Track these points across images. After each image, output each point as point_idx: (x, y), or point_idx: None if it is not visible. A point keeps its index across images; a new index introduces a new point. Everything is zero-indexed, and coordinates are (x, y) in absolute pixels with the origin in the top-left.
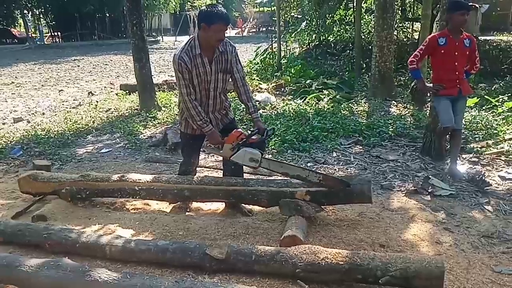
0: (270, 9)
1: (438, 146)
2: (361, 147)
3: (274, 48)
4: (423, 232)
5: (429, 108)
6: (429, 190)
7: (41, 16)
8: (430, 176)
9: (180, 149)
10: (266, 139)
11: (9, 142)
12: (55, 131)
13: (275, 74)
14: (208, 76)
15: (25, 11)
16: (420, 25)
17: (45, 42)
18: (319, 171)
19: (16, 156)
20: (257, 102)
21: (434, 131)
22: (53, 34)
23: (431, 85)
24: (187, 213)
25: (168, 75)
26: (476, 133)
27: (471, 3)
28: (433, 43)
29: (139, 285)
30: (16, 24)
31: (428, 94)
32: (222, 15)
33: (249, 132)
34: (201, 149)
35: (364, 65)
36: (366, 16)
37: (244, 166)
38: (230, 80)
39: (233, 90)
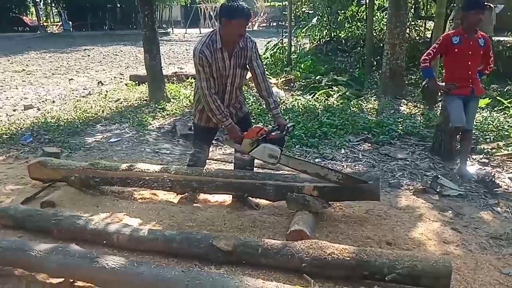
0: (281, 3)
1: (448, 146)
2: (369, 145)
3: (285, 43)
4: (431, 232)
5: (440, 108)
6: (438, 190)
7: (52, 5)
8: (439, 176)
9: (189, 140)
10: (287, 136)
11: (19, 129)
12: (64, 119)
13: (285, 69)
14: (226, 71)
15: (37, 0)
16: (433, 24)
17: (72, 30)
18: (338, 170)
19: (26, 142)
20: None
21: (444, 131)
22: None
23: (443, 84)
24: (194, 205)
25: (178, 67)
26: (487, 134)
27: (486, 3)
28: (447, 41)
29: (145, 273)
30: (28, 12)
31: (440, 93)
32: (243, 10)
33: (270, 127)
34: (213, 142)
35: (375, 63)
36: (378, 13)
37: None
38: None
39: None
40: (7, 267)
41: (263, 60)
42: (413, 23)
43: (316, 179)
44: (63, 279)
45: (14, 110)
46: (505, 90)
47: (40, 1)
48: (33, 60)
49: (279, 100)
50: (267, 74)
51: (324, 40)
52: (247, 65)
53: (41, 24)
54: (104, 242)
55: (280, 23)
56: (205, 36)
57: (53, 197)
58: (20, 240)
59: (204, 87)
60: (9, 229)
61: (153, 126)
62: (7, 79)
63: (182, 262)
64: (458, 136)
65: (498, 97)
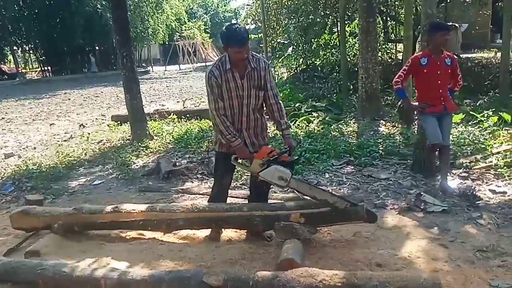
0: (257, 36)
1: (428, 163)
2: (352, 167)
3: None
4: (419, 249)
5: (417, 126)
6: (422, 207)
7: (31, 52)
8: (422, 193)
9: (174, 176)
10: (297, 160)
11: (0, 178)
12: (46, 165)
13: None
14: (240, 91)
15: (15, 47)
16: (403, 46)
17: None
18: (348, 199)
19: (8, 192)
20: None
21: (423, 148)
22: (43, 68)
23: (416, 103)
24: (182, 241)
25: (159, 104)
26: (464, 148)
27: (451, 23)
28: (416, 63)
29: None
30: (6, 61)
31: (415, 113)
32: (235, 38)
33: (281, 149)
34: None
35: (351, 87)
36: (350, 39)
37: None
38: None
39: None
40: None
41: None
42: (384, 46)
43: (302, 207)
44: None
45: None
46: (477, 104)
47: (18, 49)
48: (12, 108)
49: None
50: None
51: (300, 68)
52: (263, 86)
53: (20, 71)
54: None
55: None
56: (217, 59)
57: (37, 246)
58: None
59: (213, 108)
60: None
61: (137, 165)
62: None
63: None
64: (436, 152)
65: (471, 112)
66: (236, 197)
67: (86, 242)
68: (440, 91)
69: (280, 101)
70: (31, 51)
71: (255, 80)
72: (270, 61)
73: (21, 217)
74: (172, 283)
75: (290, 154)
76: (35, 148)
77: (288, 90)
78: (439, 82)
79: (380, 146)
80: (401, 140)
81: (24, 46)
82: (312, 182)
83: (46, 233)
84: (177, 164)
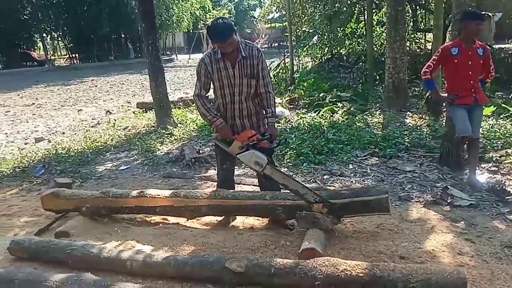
0: (281, 24)
1: (456, 156)
2: (377, 159)
3: (287, 63)
4: (444, 243)
5: (445, 118)
6: (448, 201)
7: (59, 39)
8: (449, 187)
9: (198, 163)
10: (276, 147)
11: (31, 161)
12: (75, 149)
13: (289, 88)
14: (232, 80)
15: (44, 35)
16: (432, 36)
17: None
18: (318, 193)
19: (38, 174)
20: None
21: (451, 141)
22: (71, 55)
23: (445, 95)
24: (205, 227)
25: (183, 93)
26: (494, 142)
27: (484, 12)
28: (446, 53)
29: None
30: (36, 47)
31: (444, 104)
32: (216, 34)
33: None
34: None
35: (378, 77)
36: (377, 28)
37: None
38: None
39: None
40: None
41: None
42: (412, 36)
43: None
44: None
45: (26, 143)
46: (510, 97)
47: (47, 36)
48: (42, 94)
49: (284, 119)
50: (272, 86)
51: (325, 58)
52: (256, 74)
53: (49, 58)
54: (118, 269)
55: (281, 43)
56: (211, 48)
57: (66, 227)
58: (35, 272)
59: (195, 94)
60: (25, 261)
61: (161, 152)
62: (18, 113)
63: (195, 286)
64: (465, 145)
65: (503, 104)
66: (253, 185)
67: (112, 225)
68: (471, 82)
69: (271, 91)
70: (59, 39)
71: (247, 68)
72: (295, 50)
73: (51, 199)
74: (195, 267)
75: (271, 141)
76: (64, 133)
77: (313, 79)
78: (470, 73)
79: (406, 138)
80: (428, 132)
81: (53, 33)
82: (336, 172)
83: (74, 215)
84: (201, 151)
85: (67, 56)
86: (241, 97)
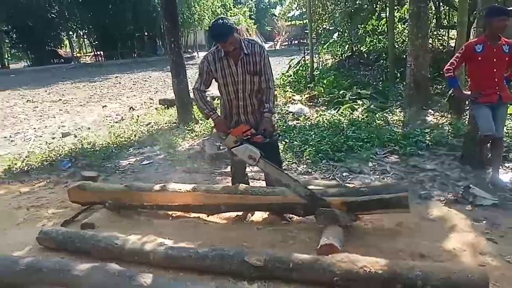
0: (302, 22)
1: (479, 155)
2: (397, 157)
3: (307, 60)
4: (465, 243)
5: (468, 116)
6: (470, 200)
7: (85, 37)
8: (471, 185)
9: (218, 159)
10: (269, 141)
11: (58, 155)
12: (100, 144)
13: (308, 85)
14: (235, 77)
15: (71, 33)
16: (456, 33)
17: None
18: (309, 188)
19: (65, 168)
20: (291, 113)
21: (474, 140)
22: (96, 53)
23: (469, 92)
24: (225, 222)
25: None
26: None
27: (511, 8)
28: (470, 50)
29: None
30: (62, 45)
31: (467, 102)
32: (216, 34)
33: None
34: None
35: (399, 75)
36: (399, 25)
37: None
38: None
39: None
40: (51, 287)
41: (286, 78)
42: (435, 33)
43: (343, 194)
44: None
45: (53, 138)
46: None
47: (73, 34)
48: (68, 90)
49: (303, 116)
50: (290, 92)
51: (346, 55)
52: (259, 71)
53: (75, 56)
54: (141, 260)
55: (301, 41)
56: (215, 46)
57: (92, 219)
58: (62, 261)
59: (194, 86)
60: (52, 251)
61: (182, 148)
62: (46, 108)
63: (215, 278)
64: (488, 144)
65: None
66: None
67: (135, 218)
68: (496, 80)
69: (272, 87)
70: (85, 37)
71: (250, 65)
72: (315, 48)
73: (77, 192)
74: (215, 260)
75: (265, 136)
76: (89, 128)
77: (333, 77)
78: (494, 70)
79: (427, 136)
80: (450, 130)
81: (79, 31)
82: (355, 170)
83: (99, 208)
84: (221, 147)
85: (92, 53)
86: (245, 94)
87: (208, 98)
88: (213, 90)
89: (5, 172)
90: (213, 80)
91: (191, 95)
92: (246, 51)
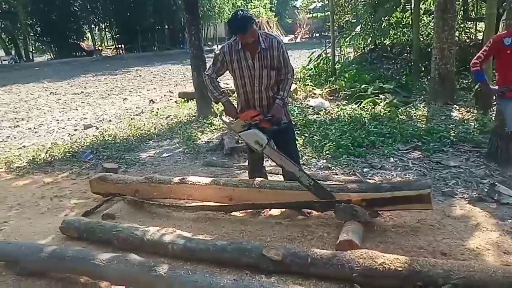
0: (323, 14)
1: (506, 152)
2: (420, 153)
3: (328, 53)
4: (489, 241)
5: (494, 112)
6: (495, 198)
7: (106, 30)
8: (497, 183)
9: (236, 153)
10: (281, 130)
11: (80, 147)
12: (120, 136)
13: (329, 79)
14: (252, 71)
15: (92, 26)
16: (484, 25)
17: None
18: (313, 177)
19: (87, 159)
20: (311, 108)
21: (501, 136)
22: (117, 46)
23: (496, 87)
24: (243, 215)
25: (224, 83)
26: None
27: None
28: (498, 43)
29: (199, 281)
30: (85, 38)
31: (494, 97)
32: (236, 25)
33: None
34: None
35: (423, 68)
36: (424, 18)
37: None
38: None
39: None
40: (73, 275)
41: (307, 71)
42: (462, 25)
43: (363, 190)
44: (123, 287)
45: (75, 130)
46: None
47: (95, 27)
48: (90, 83)
49: (324, 110)
50: (311, 85)
51: (368, 48)
52: (276, 65)
53: (96, 48)
54: (160, 251)
55: (323, 33)
56: (233, 38)
57: (112, 210)
58: (85, 250)
59: (206, 71)
60: (74, 240)
61: (202, 141)
62: (68, 101)
63: (233, 271)
64: None
65: None
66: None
67: (155, 209)
68: None
69: (291, 77)
70: (106, 30)
71: (267, 60)
72: (337, 40)
73: (98, 183)
74: (233, 254)
75: (274, 123)
76: (110, 120)
77: (354, 70)
78: None
79: (452, 132)
80: (475, 126)
81: (101, 25)
82: (376, 166)
83: (120, 199)
84: (240, 141)
85: (114, 46)
86: (261, 87)
87: (220, 84)
88: (230, 82)
89: (29, 163)
90: (226, 71)
91: None
92: (263, 46)
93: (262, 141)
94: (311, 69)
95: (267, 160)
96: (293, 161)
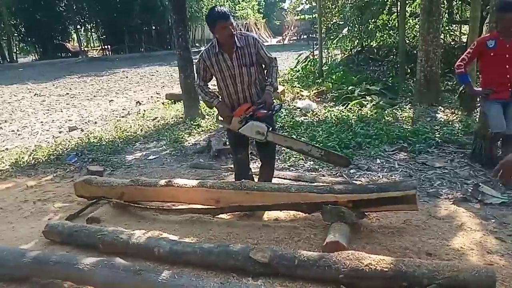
0: (311, 16)
1: (489, 153)
2: (406, 154)
3: (316, 55)
4: (473, 241)
5: (478, 114)
6: (479, 198)
7: (92, 30)
8: (480, 184)
9: (224, 155)
10: (273, 114)
11: (65, 149)
12: (106, 138)
13: (317, 81)
14: (232, 71)
15: (78, 26)
16: (468, 28)
17: None
18: (321, 147)
19: (72, 162)
20: (298, 109)
21: (484, 137)
22: (103, 47)
23: (480, 89)
24: (230, 218)
25: (211, 84)
26: None
27: None
28: (482, 46)
29: (186, 285)
30: (70, 39)
31: (478, 99)
32: (219, 13)
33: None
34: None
35: (409, 70)
36: (410, 20)
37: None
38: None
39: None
40: (57, 280)
41: (295, 73)
42: (447, 28)
43: (350, 191)
44: None
45: (60, 132)
46: None
47: (81, 28)
48: (75, 84)
49: (311, 112)
50: (298, 87)
51: (355, 50)
52: (257, 62)
53: (82, 49)
54: (146, 255)
55: (310, 35)
56: (209, 44)
57: (97, 213)
58: (68, 255)
59: (195, 82)
60: (58, 245)
61: (189, 143)
62: (53, 102)
63: (220, 274)
64: (499, 142)
65: None
66: (284, 178)
67: (141, 212)
68: (508, 76)
69: (275, 65)
70: (92, 30)
71: (245, 57)
72: (324, 42)
73: (83, 186)
74: (220, 256)
75: (267, 109)
76: (96, 122)
77: (341, 72)
78: (507, 66)
79: (437, 133)
80: (460, 127)
81: (87, 25)
82: (363, 167)
83: (105, 202)
84: (227, 143)
85: (100, 47)
86: (243, 86)
87: (209, 88)
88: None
89: (12, 166)
90: (212, 76)
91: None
92: (239, 44)
93: (263, 129)
94: (299, 70)
95: (255, 162)
96: (296, 139)
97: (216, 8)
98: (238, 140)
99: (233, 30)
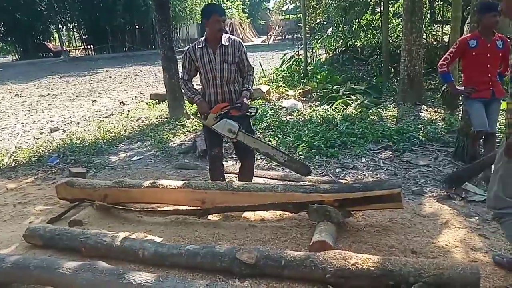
0: (296, 16)
1: (471, 151)
2: (390, 153)
3: (301, 55)
4: (457, 238)
5: (461, 112)
6: (463, 196)
7: (74, 30)
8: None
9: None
10: (250, 117)
11: (46, 151)
12: (89, 139)
13: (302, 80)
14: (213, 65)
15: (60, 26)
16: (450, 28)
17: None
18: (286, 153)
19: (53, 164)
20: (284, 109)
21: (467, 135)
22: (86, 47)
23: (462, 88)
24: (216, 218)
25: (196, 84)
26: None
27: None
28: (464, 45)
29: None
30: (52, 39)
31: (460, 98)
32: (216, 8)
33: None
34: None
35: (393, 70)
36: (393, 20)
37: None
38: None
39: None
40: (38, 286)
41: (280, 73)
42: (429, 28)
43: (336, 190)
44: None
45: (41, 133)
46: None
47: (63, 27)
48: (57, 84)
49: (297, 111)
50: (284, 87)
51: (340, 50)
52: (237, 64)
53: (64, 49)
54: (130, 258)
55: (295, 35)
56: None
57: (80, 216)
58: (50, 259)
59: (180, 76)
60: (39, 249)
61: (174, 143)
62: (34, 103)
63: (206, 276)
64: (481, 140)
65: None
66: (270, 178)
67: (125, 214)
68: (489, 75)
69: (252, 74)
70: (74, 30)
71: (228, 55)
72: (309, 42)
73: (65, 188)
74: (206, 258)
75: (242, 110)
76: (78, 123)
77: (326, 72)
78: (488, 66)
79: (421, 131)
80: (443, 126)
81: (69, 24)
82: (348, 166)
83: (88, 204)
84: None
85: (82, 47)
86: (222, 81)
87: (193, 85)
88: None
89: None
90: (196, 70)
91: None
92: (225, 43)
93: (234, 128)
94: (284, 70)
95: (227, 161)
96: (265, 142)
97: (213, 4)
98: (213, 136)
99: (224, 24)
